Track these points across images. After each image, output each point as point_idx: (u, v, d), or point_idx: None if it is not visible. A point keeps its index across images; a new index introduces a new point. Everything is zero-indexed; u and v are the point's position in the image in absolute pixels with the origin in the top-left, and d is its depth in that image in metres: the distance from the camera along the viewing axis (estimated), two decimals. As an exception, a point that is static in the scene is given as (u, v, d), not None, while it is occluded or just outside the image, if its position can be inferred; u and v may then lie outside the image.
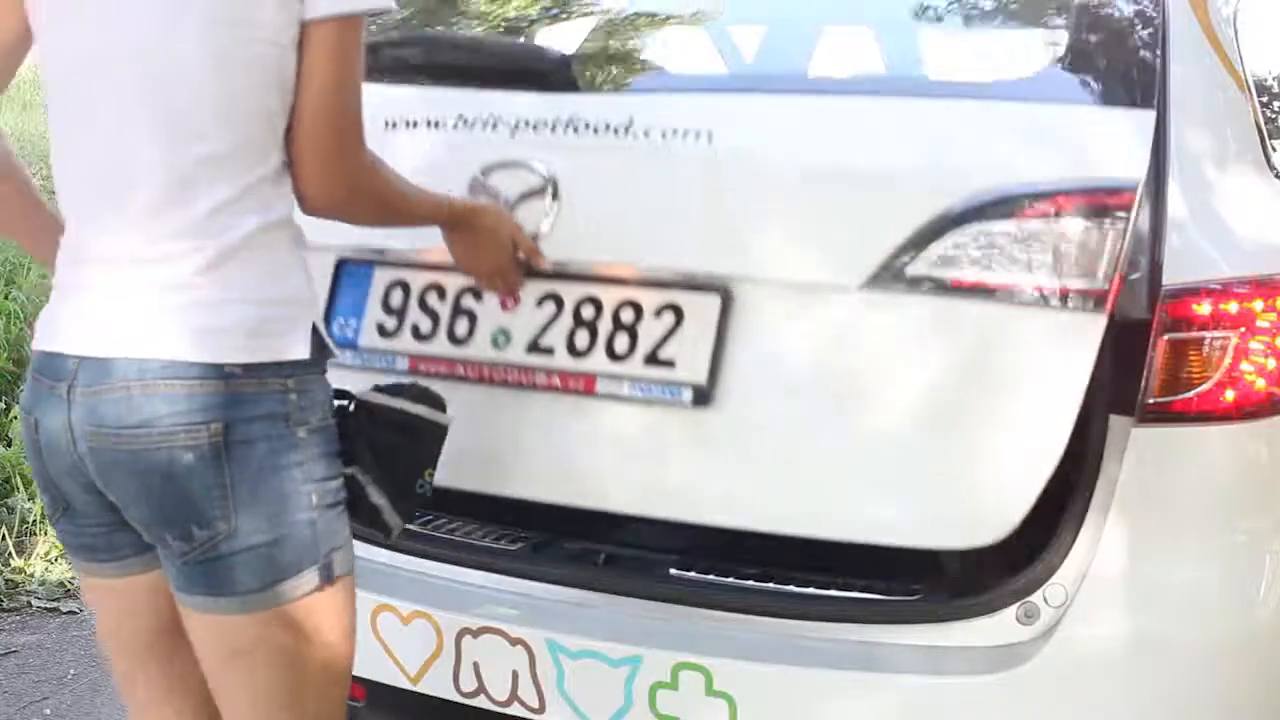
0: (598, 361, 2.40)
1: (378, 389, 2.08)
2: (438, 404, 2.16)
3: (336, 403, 1.99)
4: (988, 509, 2.22)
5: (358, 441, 2.00)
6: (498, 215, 2.35)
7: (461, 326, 2.52)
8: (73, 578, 4.54)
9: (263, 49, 1.84)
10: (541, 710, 2.49)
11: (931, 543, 2.26)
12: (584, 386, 2.41)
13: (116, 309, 1.87)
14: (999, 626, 2.32)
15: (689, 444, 2.37)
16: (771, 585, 2.53)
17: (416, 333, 2.54)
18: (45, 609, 4.35)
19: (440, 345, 2.52)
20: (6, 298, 6.23)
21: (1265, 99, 2.90)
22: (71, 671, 3.95)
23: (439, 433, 2.13)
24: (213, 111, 1.84)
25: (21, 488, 4.84)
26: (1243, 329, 2.23)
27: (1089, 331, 2.16)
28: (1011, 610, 2.31)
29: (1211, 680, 2.30)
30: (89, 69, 1.88)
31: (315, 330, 1.92)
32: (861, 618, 2.43)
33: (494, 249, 2.36)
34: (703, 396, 2.34)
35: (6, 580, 4.43)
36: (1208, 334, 2.22)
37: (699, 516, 2.37)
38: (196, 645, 1.98)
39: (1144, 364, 2.22)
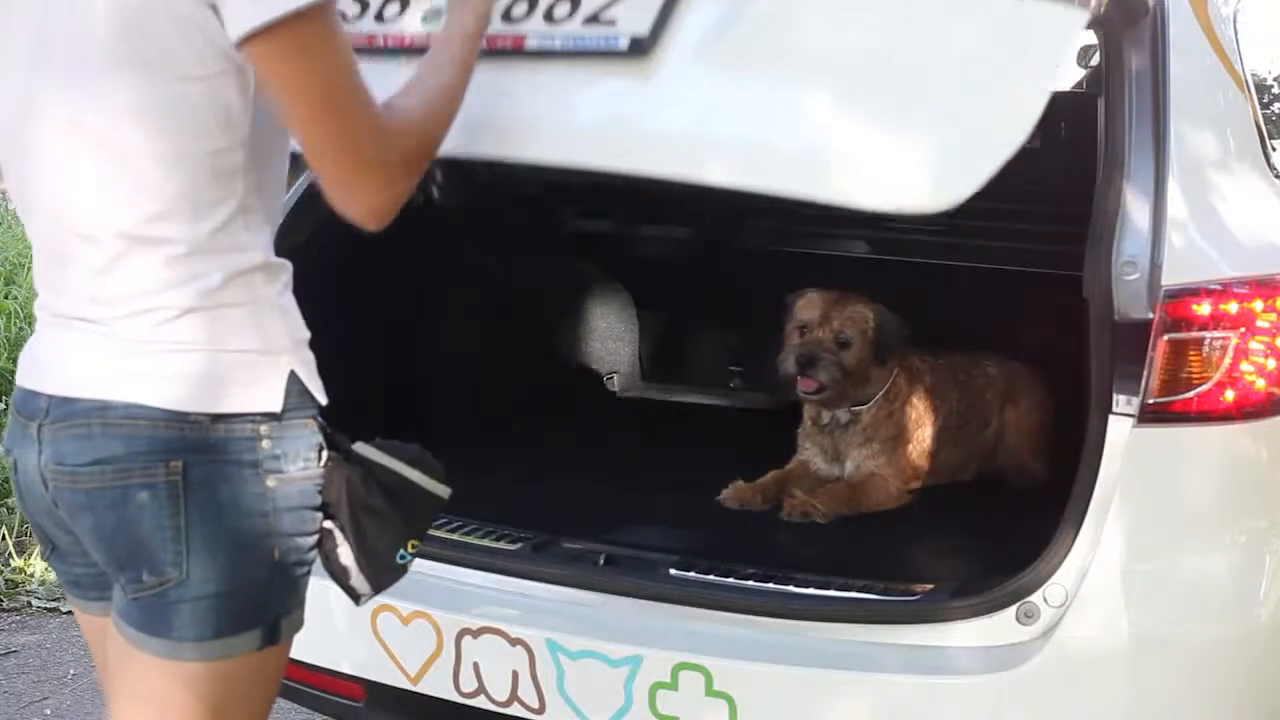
0: (534, 25, 2.09)
1: (377, 444, 1.88)
2: (436, 472, 1.93)
3: (326, 451, 1.82)
4: (942, 170, 1.86)
5: (343, 496, 1.82)
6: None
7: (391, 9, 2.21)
8: (73, 578, 4.55)
9: (182, 88, 1.65)
10: (541, 710, 2.49)
11: (877, 202, 1.93)
12: (513, 45, 2.08)
13: (84, 356, 1.76)
14: (999, 626, 2.32)
15: (625, 94, 2.04)
16: (771, 585, 2.53)
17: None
18: (45, 609, 4.35)
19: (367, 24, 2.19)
20: (6, 297, 6.23)
21: (1265, 99, 2.90)
22: (71, 671, 3.95)
23: (433, 503, 1.91)
24: (146, 164, 1.67)
25: (21, 487, 4.85)
26: (1243, 329, 2.23)
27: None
28: (1011, 610, 2.31)
29: (1211, 679, 2.30)
30: (26, 124, 1.74)
31: (297, 378, 1.77)
32: (861, 618, 2.43)
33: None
34: (639, 47, 2.01)
35: (6, 580, 4.43)
36: (1208, 334, 2.22)
37: (638, 165, 1.99)
38: (114, 667, 1.84)
39: (1144, 364, 2.22)
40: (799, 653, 2.40)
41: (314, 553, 1.82)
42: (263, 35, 1.58)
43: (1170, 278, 2.23)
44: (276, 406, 1.73)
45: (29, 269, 6.58)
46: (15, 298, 6.26)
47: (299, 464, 1.77)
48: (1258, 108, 2.65)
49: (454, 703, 2.51)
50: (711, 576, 2.56)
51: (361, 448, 1.85)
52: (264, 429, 1.73)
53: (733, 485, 3.12)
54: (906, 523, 3.06)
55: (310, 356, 1.81)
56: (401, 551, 1.89)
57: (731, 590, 2.53)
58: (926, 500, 3.20)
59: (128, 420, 1.70)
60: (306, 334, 1.81)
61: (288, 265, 1.81)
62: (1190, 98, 2.44)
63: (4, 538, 4.61)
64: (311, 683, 2.75)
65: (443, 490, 1.92)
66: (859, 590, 2.50)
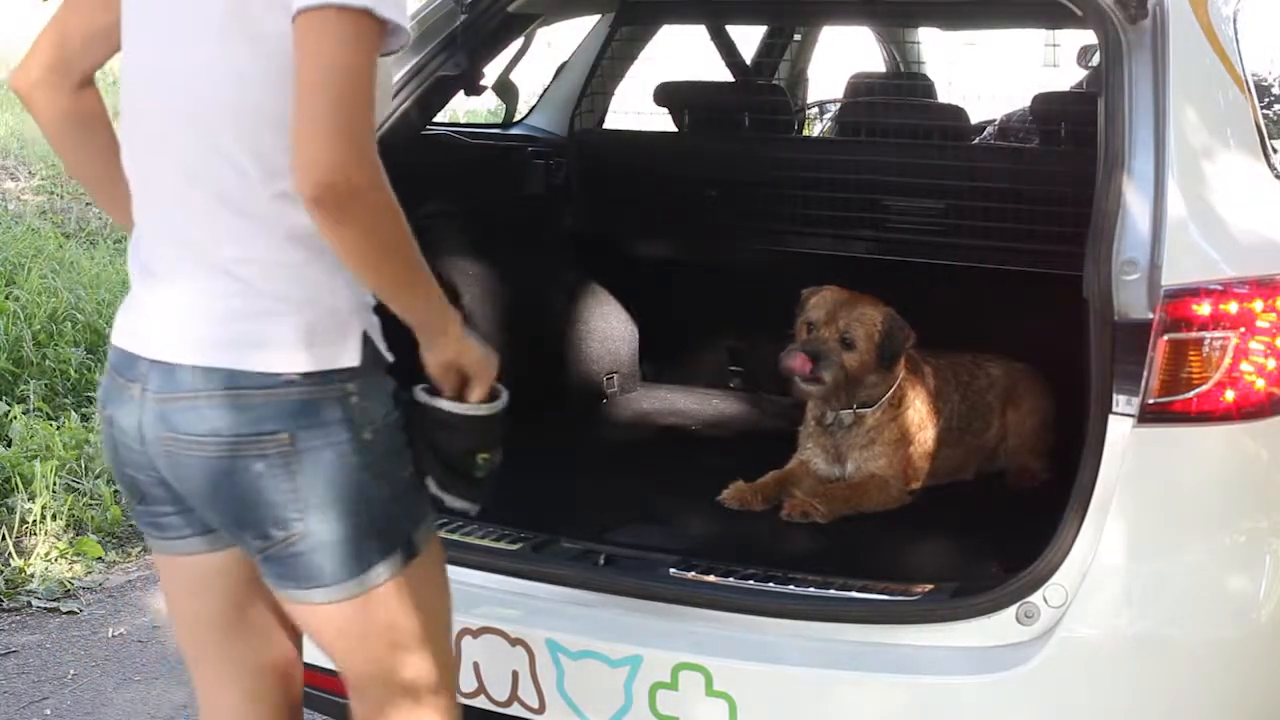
0: None
1: (425, 389, 2.04)
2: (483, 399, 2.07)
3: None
4: None
5: (414, 436, 2.02)
6: (482, 362, 2.08)
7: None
8: (73, 577, 4.54)
9: (278, 60, 1.83)
10: (541, 710, 2.50)
11: None
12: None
13: (180, 319, 1.92)
14: (999, 626, 2.32)
15: None
16: (772, 585, 2.53)
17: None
18: (45, 609, 4.35)
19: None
20: (7, 298, 6.22)
21: (1265, 99, 2.90)
22: (71, 671, 3.95)
23: (480, 423, 2.06)
24: (243, 128, 1.86)
25: (21, 488, 4.84)
26: (1243, 329, 2.23)
27: None
28: (1011, 610, 2.31)
29: (1211, 679, 2.30)
30: (143, 85, 1.95)
31: (368, 338, 1.94)
32: (861, 618, 2.43)
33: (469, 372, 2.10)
34: None
35: (6, 580, 4.43)
36: (1208, 334, 2.22)
37: None
38: (302, 627, 2.08)
39: (1144, 364, 2.22)
40: (799, 653, 2.40)
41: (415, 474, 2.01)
42: (311, 11, 1.77)
43: (1170, 278, 2.23)
44: (356, 362, 1.91)
45: (29, 269, 6.58)
46: (16, 298, 6.26)
47: (384, 413, 1.95)
48: (1258, 108, 2.64)
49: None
50: (711, 576, 2.56)
51: (418, 394, 2.03)
52: (350, 386, 1.90)
53: (733, 485, 3.12)
54: (906, 523, 3.06)
55: (376, 320, 1.96)
56: (478, 465, 2.07)
57: (731, 590, 2.53)
58: (926, 500, 3.20)
59: (229, 391, 1.86)
60: (372, 299, 1.95)
61: None
62: (1190, 98, 2.44)
63: (4, 538, 4.61)
64: (311, 683, 2.75)
65: (487, 410, 2.05)
66: (859, 590, 2.50)
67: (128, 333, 2.00)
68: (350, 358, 1.91)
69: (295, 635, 2.21)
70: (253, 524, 1.92)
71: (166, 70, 1.92)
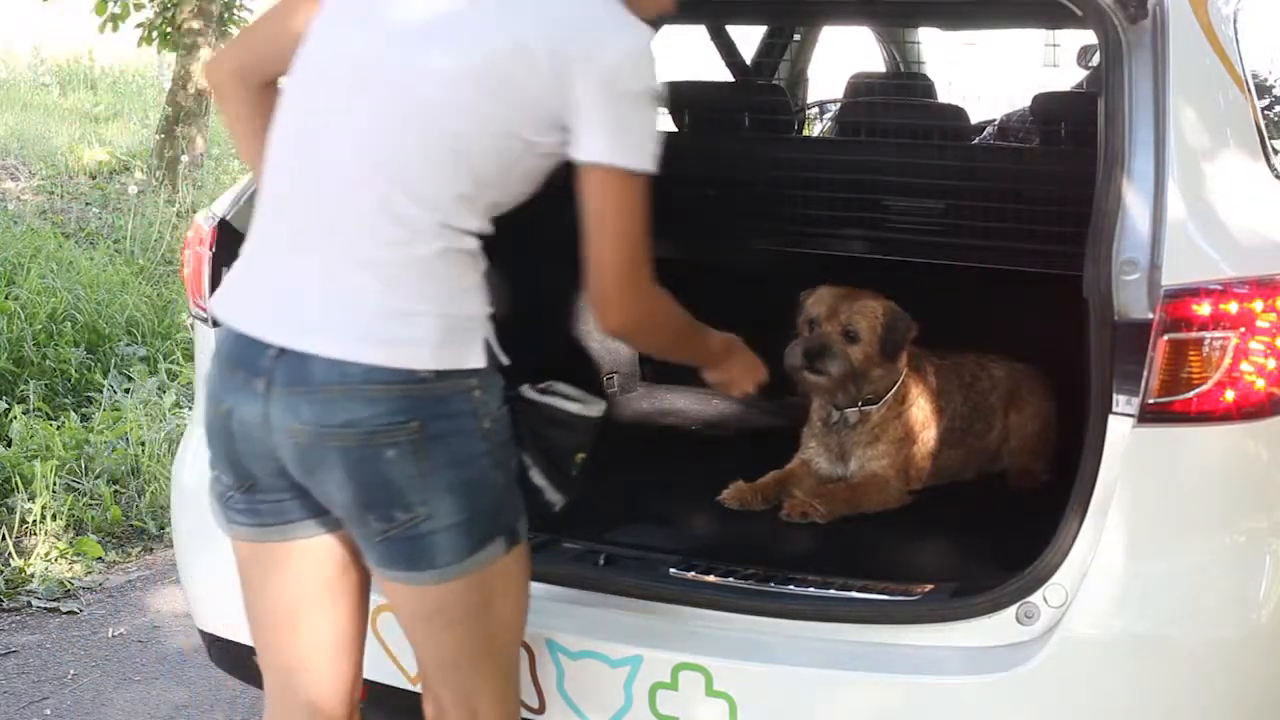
0: None
1: (537, 388, 2.24)
2: (588, 399, 2.30)
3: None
4: None
5: (522, 431, 2.18)
6: (747, 374, 2.52)
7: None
8: (73, 577, 4.54)
9: (511, 146, 2.05)
10: (541, 710, 2.50)
11: None
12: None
13: (323, 310, 2.04)
14: (999, 626, 2.32)
15: None
16: (771, 585, 2.53)
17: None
18: (45, 609, 4.35)
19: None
20: (7, 297, 6.22)
21: (1265, 99, 2.90)
22: (71, 671, 3.95)
23: (587, 423, 2.28)
24: (442, 164, 2.03)
25: (21, 488, 4.84)
26: (1242, 329, 2.22)
27: None
28: (1011, 610, 2.31)
29: (1211, 679, 2.30)
30: (354, 81, 2.08)
31: (488, 343, 2.09)
32: (861, 618, 2.43)
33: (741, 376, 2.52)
34: None
35: (6, 580, 4.42)
36: (1208, 334, 2.22)
37: None
38: (394, 606, 2.20)
39: (1144, 364, 2.22)
40: (799, 653, 2.40)
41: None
42: (603, 168, 2.03)
43: (1170, 278, 2.23)
44: (482, 364, 2.07)
45: (29, 269, 6.57)
46: (16, 298, 6.25)
47: (498, 406, 2.11)
48: (1258, 108, 2.64)
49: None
50: (711, 576, 2.56)
51: (527, 391, 2.22)
52: (474, 381, 2.06)
53: (733, 485, 3.12)
54: (906, 523, 3.06)
55: (492, 328, 2.12)
56: (576, 463, 2.28)
57: (731, 590, 2.53)
58: (927, 500, 3.20)
59: (367, 385, 2.00)
60: (490, 310, 2.12)
61: (483, 256, 2.13)
62: (1190, 98, 2.44)
63: (4, 538, 4.61)
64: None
65: (595, 412, 2.29)
66: (859, 590, 2.50)
67: (252, 316, 2.10)
68: (477, 360, 2.06)
69: (363, 640, 2.33)
70: (378, 507, 2.05)
71: (393, 81, 2.05)
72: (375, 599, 2.49)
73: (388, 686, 2.56)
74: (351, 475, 2.04)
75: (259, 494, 2.17)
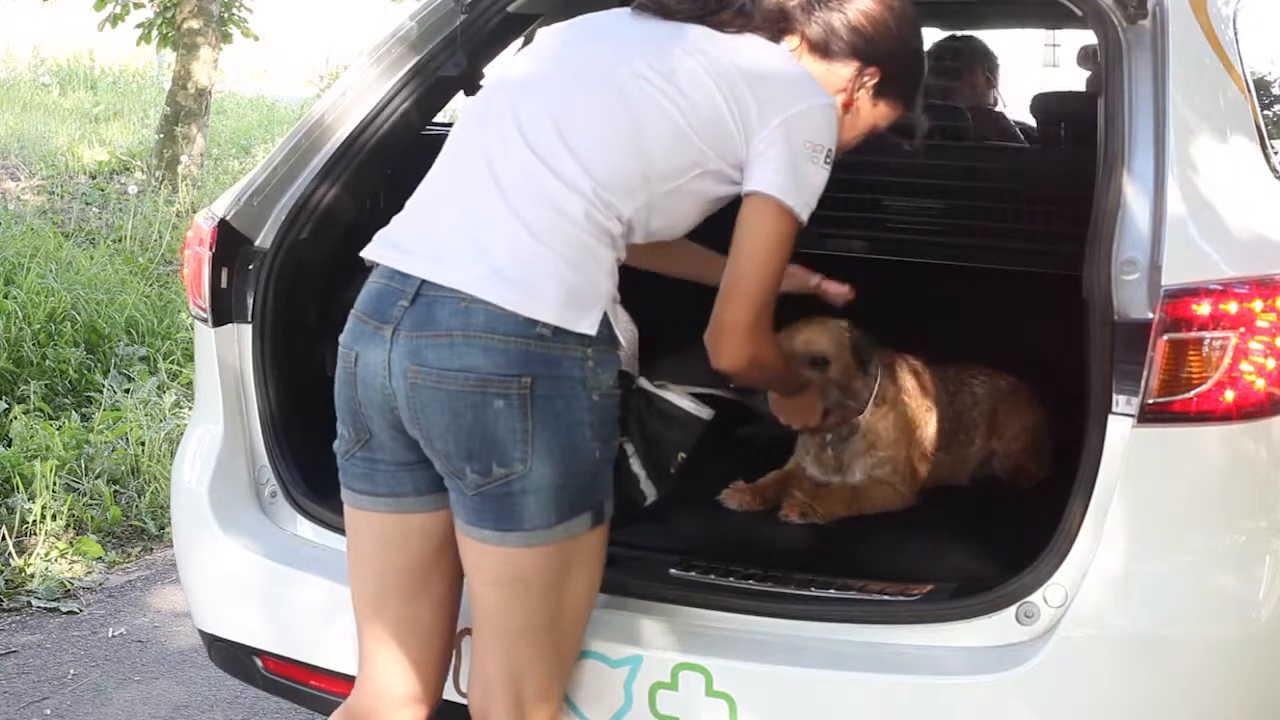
0: None
1: (654, 381, 2.37)
2: (700, 401, 2.43)
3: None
4: None
5: (630, 419, 2.28)
6: (808, 403, 2.87)
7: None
8: (73, 578, 4.54)
9: (683, 149, 2.22)
10: (541, 710, 2.49)
11: None
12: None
13: (461, 244, 2.16)
14: (999, 626, 2.32)
15: None
16: (771, 585, 2.53)
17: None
18: (45, 609, 4.35)
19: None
20: (6, 297, 6.22)
21: (1265, 99, 2.90)
22: (71, 671, 3.95)
23: (698, 425, 2.41)
24: (591, 155, 2.19)
25: (21, 488, 4.84)
26: (1242, 329, 2.22)
27: None
28: (1011, 610, 2.31)
29: (1211, 679, 2.29)
30: (577, 70, 2.28)
31: (607, 320, 2.17)
32: (861, 618, 2.43)
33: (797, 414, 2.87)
34: None
35: (6, 580, 4.43)
36: (1207, 334, 2.22)
37: None
38: (472, 570, 2.25)
39: (1143, 364, 2.22)
40: (799, 653, 2.40)
41: (616, 451, 2.25)
42: (771, 200, 2.23)
43: (1170, 278, 2.23)
44: (593, 331, 2.14)
45: (29, 269, 6.57)
46: (15, 298, 6.25)
47: (609, 383, 2.18)
48: (1258, 108, 2.64)
49: (454, 703, 2.51)
50: (711, 577, 2.56)
51: (644, 383, 2.33)
52: (589, 351, 2.14)
53: (732, 486, 3.12)
54: (906, 523, 3.06)
55: (618, 310, 2.22)
56: (674, 463, 2.39)
57: (731, 590, 2.52)
58: (926, 500, 3.19)
59: (487, 333, 2.09)
60: (618, 296, 2.22)
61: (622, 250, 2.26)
62: (1190, 98, 2.44)
63: (4, 538, 4.61)
64: (312, 683, 2.75)
65: (707, 414, 2.42)
66: (859, 590, 2.50)
67: (401, 251, 2.20)
68: (589, 326, 2.13)
69: (456, 607, 2.41)
70: (479, 457, 2.12)
71: (599, 65, 2.25)
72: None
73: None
74: (457, 421, 2.11)
75: (377, 454, 2.26)
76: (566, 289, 2.13)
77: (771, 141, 2.22)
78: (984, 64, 4.84)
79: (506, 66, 2.42)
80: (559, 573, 2.20)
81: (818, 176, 2.27)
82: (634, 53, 2.27)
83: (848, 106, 2.43)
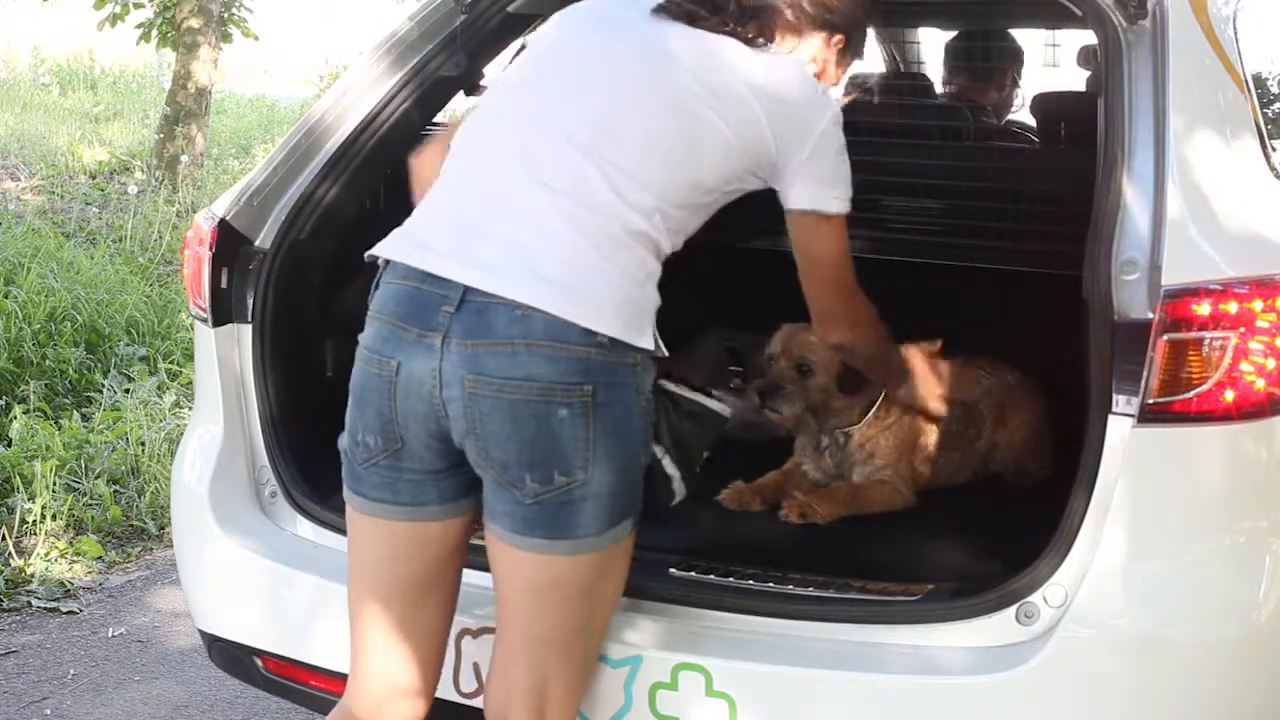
0: None
1: (676, 381, 2.37)
2: (720, 398, 2.46)
3: None
4: None
5: (662, 420, 2.29)
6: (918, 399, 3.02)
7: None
8: (73, 578, 4.54)
9: (732, 161, 2.28)
10: (541, 710, 2.49)
11: None
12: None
13: (519, 256, 2.12)
14: (999, 626, 2.32)
15: None
16: (771, 585, 2.53)
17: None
18: (45, 609, 4.35)
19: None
20: (6, 297, 6.22)
21: (1265, 99, 2.90)
22: (71, 671, 3.95)
23: (720, 422, 2.43)
24: (643, 169, 2.21)
25: (21, 488, 4.84)
26: (1242, 329, 2.22)
27: None
28: (1011, 610, 2.31)
29: (1211, 679, 2.29)
30: (558, 79, 2.28)
31: (655, 335, 2.20)
32: (861, 618, 2.43)
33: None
34: None
35: (6, 580, 4.43)
36: (1207, 334, 2.22)
37: None
38: (508, 577, 2.23)
39: (1143, 364, 2.22)
40: (799, 653, 2.40)
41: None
42: (818, 214, 2.36)
43: (1170, 278, 2.23)
44: (651, 346, 2.17)
45: (29, 269, 6.57)
46: (15, 298, 6.25)
47: (649, 388, 2.21)
48: (1258, 108, 2.64)
49: (454, 703, 2.51)
50: (711, 576, 2.56)
51: (666, 384, 2.33)
52: (638, 357, 2.16)
53: (732, 486, 3.12)
54: (906, 523, 3.06)
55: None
56: (700, 461, 2.40)
57: (731, 590, 2.52)
58: (926, 500, 3.19)
59: (548, 341, 2.08)
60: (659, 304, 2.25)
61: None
62: (1190, 98, 2.44)
63: (4, 538, 4.61)
64: (311, 683, 2.75)
65: (727, 411, 2.46)
66: (859, 590, 2.50)
67: (438, 255, 2.15)
68: (647, 341, 2.17)
69: (453, 609, 2.41)
70: (541, 466, 2.11)
71: (659, 72, 2.26)
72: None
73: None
74: (520, 431, 2.10)
75: (404, 463, 2.22)
76: (627, 303, 2.15)
77: (811, 157, 2.31)
78: (1014, 65, 4.85)
79: (527, 63, 2.40)
80: (596, 579, 2.21)
81: (847, 167, 2.38)
82: (678, 64, 2.28)
83: (820, 75, 2.48)
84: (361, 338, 2.25)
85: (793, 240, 2.41)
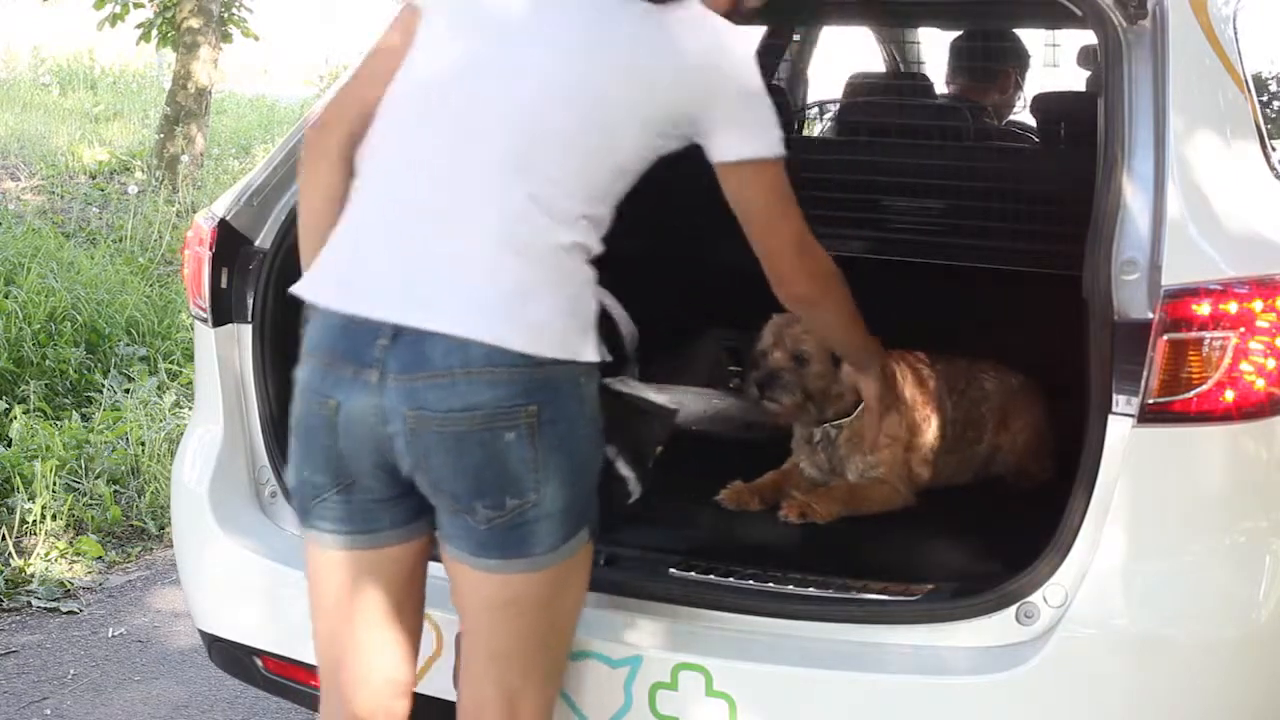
0: None
1: (622, 380, 2.31)
2: (667, 393, 2.48)
3: None
4: None
5: (609, 422, 2.21)
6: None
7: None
8: (73, 578, 4.54)
9: (647, 139, 2.17)
10: (541, 710, 2.49)
11: None
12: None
13: (448, 288, 2.06)
14: (999, 626, 2.32)
15: None
16: (771, 585, 2.53)
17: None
18: (45, 609, 4.35)
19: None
20: (6, 297, 6.22)
21: (1265, 99, 2.90)
22: (71, 671, 3.95)
23: (671, 416, 2.41)
24: (567, 174, 2.11)
25: (21, 488, 4.84)
26: (1242, 329, 2.22)
27: None
28: (1011, 610, 2.31)
29: (1211, 679, 2.30)
30: (471, 86, 2.14)
31: (597, 340, 2.15)
32: (861, 618, 2.43)
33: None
34: None
35: (6, 580, 4.42)
36: (1207, 334, 2.22)
37: None
38: (466, 595, 2.20)
39: (1143, 364, 2.22)
40: (799, 653, 2.40)
41: None
42: (761, 162, 2.21)
43: (1170, 278, 2.23)
44: (595, 358, 2.12)
45: (29, 269, 6.57)
46: (15, 298, 6.25)
47: (595, 394, 2.15)
48: (1258, 108, 2.64)
49: (454, 703, 2.51)
50: (711, 576, 2.56)
51: (613, 383, 2.27)
52: (582, 367, 2.10)
53: (731, 486, 3.12)
54: (906, 523, 3.06)
55: (616, 310, 2.25)
56: (653, 457, 2.36)
57: (731, 590, 2.52)
58: (926, 500, 3.19)
59: (488, 368, 2.02)
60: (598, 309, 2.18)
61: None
62: (1190, 98, 2.44)
63: (4, 538, 4.61)
64: (312, 683, 2.75)
65: (674, 406, 2.42)
66: (859, 590, 2.50)
67: (364, 296, 2.09)
68: (591, 353, 2.11)
69: (419, 635, 2.38)
70: (491, 493, 2.07)
71: (545, 71, 2.13)
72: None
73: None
74: (468, 460, 2.06)
75: (355, 495, 2.18)
76: (567, 317, 2.09)
77: (730, 104, 2.19)
78: (1017, 66, 4.85)
79: (420, 64, 2.22)
80: (554, 594, 2.19)
81: (770, 109, 2.24)
82: (580, 46, 2.15)
83: (730, 12, 2.31)
84: (297, 375, 2.19)
85: (730, 198, 2.26)
